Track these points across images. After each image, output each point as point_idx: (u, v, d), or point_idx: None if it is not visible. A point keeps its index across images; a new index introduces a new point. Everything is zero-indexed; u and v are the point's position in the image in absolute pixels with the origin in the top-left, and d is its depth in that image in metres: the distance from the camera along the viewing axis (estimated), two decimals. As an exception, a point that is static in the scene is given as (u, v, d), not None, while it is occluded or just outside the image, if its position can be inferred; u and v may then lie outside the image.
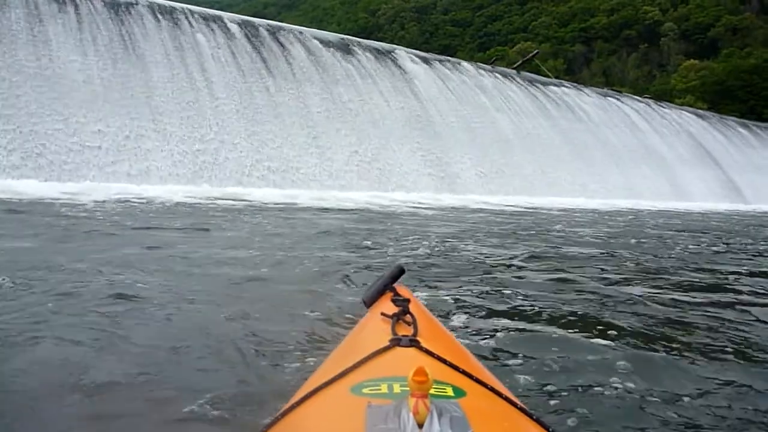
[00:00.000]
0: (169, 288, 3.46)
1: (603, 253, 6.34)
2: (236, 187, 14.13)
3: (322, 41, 20.49)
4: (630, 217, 15.14)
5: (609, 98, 30.30)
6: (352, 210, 11.46)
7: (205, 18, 18.17)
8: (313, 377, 1.21)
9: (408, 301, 1.43)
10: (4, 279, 3.35)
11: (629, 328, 2.96)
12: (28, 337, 2.40)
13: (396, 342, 1.15)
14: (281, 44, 19.06)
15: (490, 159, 20.80)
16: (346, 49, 20.88)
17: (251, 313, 2.90)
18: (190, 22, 17.48)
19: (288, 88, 17.57)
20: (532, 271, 4.78)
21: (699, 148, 31.10)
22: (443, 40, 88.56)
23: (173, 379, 2.08)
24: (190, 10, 18.03)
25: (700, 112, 37.25)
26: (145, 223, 7.18)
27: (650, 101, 33.49)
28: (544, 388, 2.09)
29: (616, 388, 2.12)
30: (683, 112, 34.63)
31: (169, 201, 10.46)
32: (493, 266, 4.96)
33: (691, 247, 7.85)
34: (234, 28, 18.49)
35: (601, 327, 2.93)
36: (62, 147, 13.00)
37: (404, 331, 1.25)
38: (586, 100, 28.12)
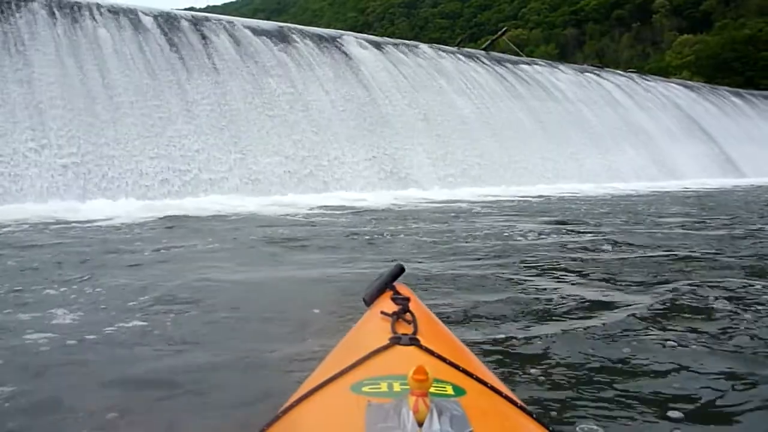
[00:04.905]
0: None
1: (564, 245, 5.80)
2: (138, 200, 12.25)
3: (254, 30, 18.57)
4: (608, 201, 13.82)
5: (587, 74, 28.08)
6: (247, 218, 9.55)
7: (114, 12, 16.29)
8: (313, 376, 1.19)
9: (408, 299, 1.42)
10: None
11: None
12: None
13: (396, 340, 1.14)
14: (204, 36, 17.14)
15: (447, 148, 18.76)
16: (282, 38, 18.94)
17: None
18: (93, 17, 15.59)
19: (205, 84, 15.62)
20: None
21: (689, 122, 28.80)
22: (434, 33, 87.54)
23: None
24: (98, 5, 16.15)
25: (689, 83, 34.86)
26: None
27: (634, 75, 31.20)
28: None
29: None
30: (670, 84, 32.26)
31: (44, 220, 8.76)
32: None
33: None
34: (147, 21, 16.59)
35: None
36: None
37: (404, 329, 1.24)
38: (561, 78, 25.96)
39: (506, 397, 1.04)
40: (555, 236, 6.70)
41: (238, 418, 1.77)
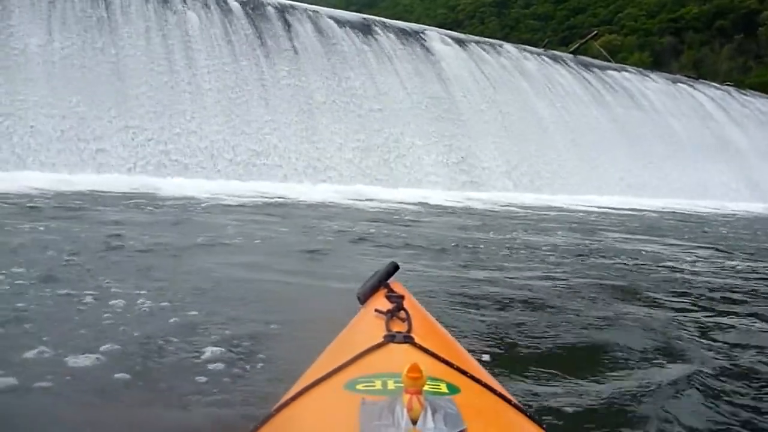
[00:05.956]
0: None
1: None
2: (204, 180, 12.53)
3: (338, 21, 18.65)
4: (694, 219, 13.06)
5: (680, 85, 26.80)
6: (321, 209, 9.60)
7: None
8: (307, 373, 1.18)
9: (402, 297, 1.42)
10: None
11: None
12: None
13: (390, 338, 1.14)
14: (288, 23, 17.33)
15: (523, 151, 18.31)
16: (365, 30, 18.94)
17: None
18: (184, 0, 15.99)
19: (285, 71, 15.79)
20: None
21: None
22: (524, 34, 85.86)
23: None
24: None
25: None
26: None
27: (731, 88, 29.56)
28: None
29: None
30: (772, 100, 30.42)
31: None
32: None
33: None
34: (235, 6, 16.89)
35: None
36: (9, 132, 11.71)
37: (398, 327, 1.23)
38: (651, 87, 24.89)
39: (500, 395, 1.04)
40: (714, 261, 5.97)
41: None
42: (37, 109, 12.10)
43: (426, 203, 11.96)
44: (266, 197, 10.52)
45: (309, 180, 13.96)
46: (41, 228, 4.98)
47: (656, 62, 68.28)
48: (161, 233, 5.30)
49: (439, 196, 13.67)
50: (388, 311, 1.31)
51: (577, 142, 19.82)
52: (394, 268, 1.65)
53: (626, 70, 25.98)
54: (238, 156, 13.81)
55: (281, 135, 14.54)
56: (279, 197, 10.70)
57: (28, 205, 6.90)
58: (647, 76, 26.20)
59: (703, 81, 29.86)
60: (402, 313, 1.31)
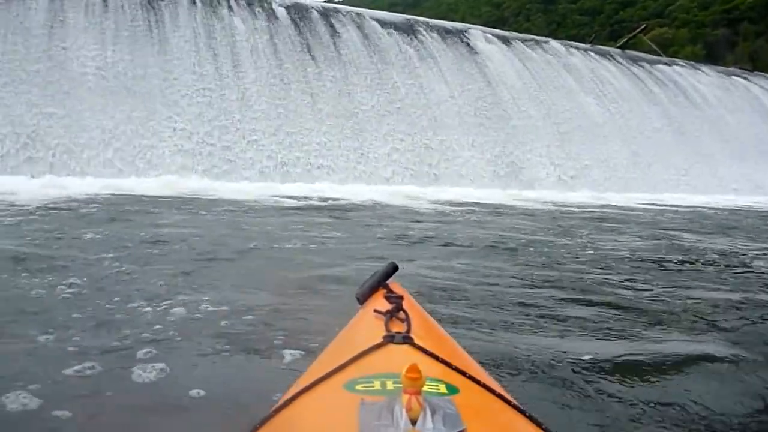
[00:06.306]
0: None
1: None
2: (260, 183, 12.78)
3: (382, 22, 18.73)
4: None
5: (734, 78, 26.01)
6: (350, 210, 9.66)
7: (250, 2, 16.96)
8: (305, 374, 1.18)
9: (401, 298, 1.42)
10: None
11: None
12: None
13: (389, 339, 1.14)
14: (332, 27, 17.50)
15: (570, 148, 18.06)
16: (408, 30, 18.98)
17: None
18: (230, 7, 16.33)
19: (330, 75, 15.96)
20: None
21: None
22: (571, 30, 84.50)
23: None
24: (236, -7, 16.88)
25: None
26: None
27: (791, 81, 28.54)
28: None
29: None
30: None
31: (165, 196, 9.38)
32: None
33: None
34: (281, 12, 17.15)
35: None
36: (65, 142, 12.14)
37: (397, 327, 1.23)
38: (704, 80, 24.23)
39: (500, 396, 1.03)
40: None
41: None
42: (90, 116, 12.53)
43: (477, 203, 11.89)
44: (317, 199, 10.62)
45: (357, 182, 14.08)
46: (101, 233, 5.14)
47: (709, 55, 66.30)
48: (219, 235, 5.43)
49: (487, 196, 13.57)
50: (387, 312, 1.31)
51: (627, 138, 19.45)
52: (393, 268, 1.64)
53: (677, 64, 25.34)
54: (286, 159, 14.02)
55: (327, 138, 14.70)
56: (330, 199, 10.80)
57: (83, 210, 7.14)
58: (699, 69, 25.51)
59: (759, 73, 28.89)
60: (401, 314, 1.31)
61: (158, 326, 2.51)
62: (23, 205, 7.15)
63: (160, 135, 12.98)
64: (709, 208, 14.45)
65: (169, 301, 2.88)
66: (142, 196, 9.31)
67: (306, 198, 10.69)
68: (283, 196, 10.41)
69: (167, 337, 2.39)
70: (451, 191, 13.98)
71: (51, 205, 7.30)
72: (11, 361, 2.08)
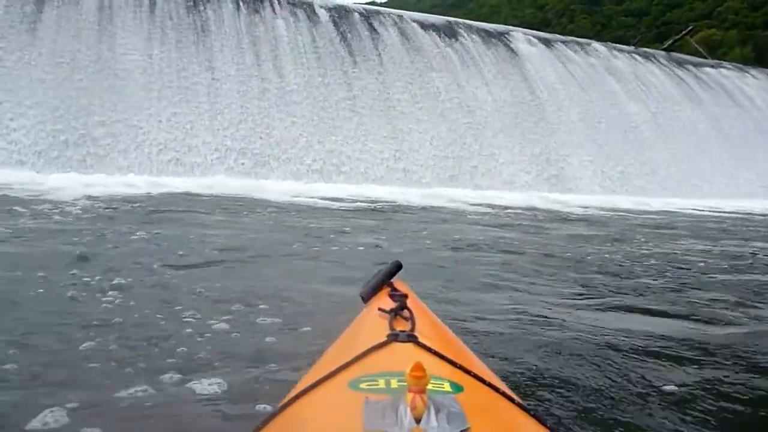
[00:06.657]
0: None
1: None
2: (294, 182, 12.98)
3: (422, 24, 18.79)
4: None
5: (783, 80, 25.35)
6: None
7: (293, 3, 17.21)
8: (310, 372, 1.18)
9: (406, 296, 1.41)
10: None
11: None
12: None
13: (393, 337, 1.14)
14: (373, 29, 17.63)
15: (614, 153, 17.84)
16: (449, 33, 18.99)
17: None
18: (273, 9, 16.60)
19: (371, 77, 16.09)
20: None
21: None
22: (617, 32, 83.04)
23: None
24: (279, -3, 17.15)
25: None
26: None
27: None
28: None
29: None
30: None
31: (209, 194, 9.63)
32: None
33: None
34: (322, 13, 17.35)
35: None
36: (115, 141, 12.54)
37: (402, 326, 1.23)
38: (751, 83, 23.68)
39: (504, 394, 1.03)
40: None
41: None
42: (136, 115, 12.90)
43: (520, 207, 11.81)
44: (359, 200, 10.70)
45: (397, 184, 14.16)
46: (149, 232, 5.26)
47: (759, 57, 64.48)
48: (265, 237, 5.54)
49: (529, 200, 13.44)
50: (392, 310, 1.31)
51: (671, 142, 19.13)
52: (398, 267, 1.63)
53: (723, 67, 24.80)
54: (326, 159, 14.20)
55: (369, 140, 14.83)
56: (371, 201, 10.87)
57: (127, 208, 7.36)
58: (746, 72, 24.93)
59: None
60: (405, 312, 1.31)
61: (208, 336, 2.45)
62: (71, 203, 7.37)
63: (203, 135, 13.29)
64: (761, 215, 14.07)
65: (222, 311, 2.82)
66: (186, 194, 9.55)
67: (349, 199, 10.77)
68: (325, 198, 10.54)
69: (219, 350, 2.29)
70: (491, 195, 13.93)
71: (98, 204, 7.51)
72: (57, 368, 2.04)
